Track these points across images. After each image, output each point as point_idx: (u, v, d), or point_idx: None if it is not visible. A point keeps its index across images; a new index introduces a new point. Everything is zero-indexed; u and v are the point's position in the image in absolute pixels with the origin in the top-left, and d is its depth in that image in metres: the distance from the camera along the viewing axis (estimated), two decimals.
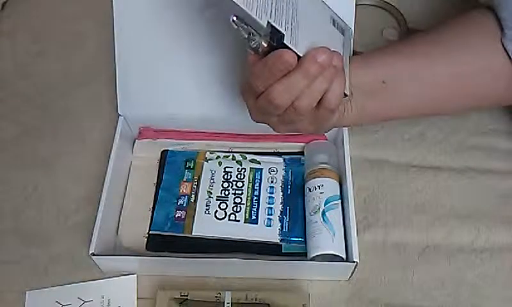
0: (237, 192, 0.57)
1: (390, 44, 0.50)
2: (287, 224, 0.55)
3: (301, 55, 0.40)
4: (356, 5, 0.53)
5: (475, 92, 0.52)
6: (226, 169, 0.59)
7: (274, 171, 0.59)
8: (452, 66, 0.51)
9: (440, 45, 0.52)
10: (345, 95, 0.45)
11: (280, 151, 0.62)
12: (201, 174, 0.59)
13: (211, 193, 0.57)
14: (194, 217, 0.55)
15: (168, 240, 0.55)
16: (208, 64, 0.55)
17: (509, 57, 0.49)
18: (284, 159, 0.60)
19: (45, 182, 0.60)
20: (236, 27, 0.40)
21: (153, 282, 0.53)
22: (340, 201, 0.54)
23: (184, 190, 0.57)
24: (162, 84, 0.57)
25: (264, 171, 0.59)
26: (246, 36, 0.40)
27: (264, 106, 0.43)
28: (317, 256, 0.51)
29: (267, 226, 0.55)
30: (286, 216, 0.56)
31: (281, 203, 0.57)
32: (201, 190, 0.57)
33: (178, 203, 0.56)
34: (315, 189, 0.55)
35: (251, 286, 0.52)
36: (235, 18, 0.40)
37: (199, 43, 0.54)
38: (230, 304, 0.50)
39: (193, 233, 0.54)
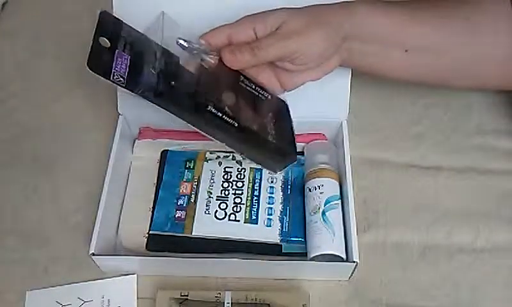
0: (237, 192, 0.57)
1: (412, 7, 0.52)
2: (287, 224, 0.55)
3: None
4: None
5: (483, 73, 0.54)
6: (226, 169, 0.59)
7: None
8: (471, 45, 0.52)
9: (463, 21, 0.52)
10: None
11: None
12: (201, 174, 0.58)
13: (211, 193, 0.57)
14: (194, 217, 0.55)
15: (168, 240, 0.54)
16: None
17: None
18: None
19: (45, 182, 0.60)
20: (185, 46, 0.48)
21: (153, 282, 0.53)
22: (340, 201, 0.54)
23: (184, 190, 0.57)
24: None
25: (264, 171, 0.59)
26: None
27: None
28: (317, 256, 0.51)
29: (267, 226, 0.55)
30: (286, 216, 0.56)
31: (281, 203, 0.57)
32: (201, 190, 0.57)
33: (178, 203, 0.56)
34: (315, 189, 0.55)
35: (251, 286, 0.52)
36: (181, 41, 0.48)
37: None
38: (230, 304, 0.50)
39: (193, 233, 0.54)
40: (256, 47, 0.48)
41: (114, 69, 0.46)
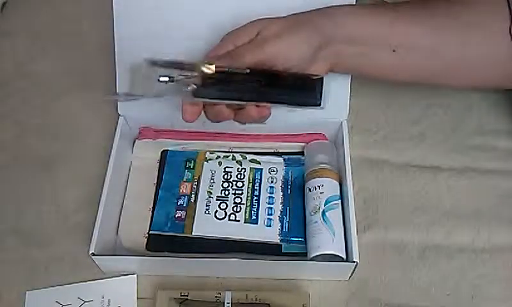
0: (237, 192, 0.57)
1: (401, 7, 0.52)
2: (287, 224, 0.55)
3: None
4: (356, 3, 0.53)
5: (475, 72, 0.53)
6: (226, 169, 0.59)
7: (274, 171, 0.59)
8: (461, 45, 0.51)
9: (452, 20, 0.52)
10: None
11: (280, 151, 0.62)
12: (201, 174, 0.59)
13: (211, 193, 0.57)
14: (194, 217, 0.55)
15: (168, 240, 0.55)
16: None
17: None
18: (284, 159, 0.60)
19: (45, 182, 0.60)
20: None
21: (153, 282, 0.53)
22: (340, 201, 0.54)
23: (184, 190, 0.57)
24: None
25: (263, 171, 0.59)
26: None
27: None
28: (317, 256, 0.51)
29: (267, 226, 0.55)
30: (286, 216, 0.56)
31: (281, 203, 0.57)
32: (201, 190, 0.57)
33: (178, 203, 0.56)
34: (315, 189, 0.55)
35: (251, 286, 0.52)
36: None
37: (199, 42, 0.54)
38: (230, 304, 0.50)
39: (193, 233, 0.54)
40: (234, 54, 0.47)
41: None
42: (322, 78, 0.49)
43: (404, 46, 0.51)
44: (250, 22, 0.49)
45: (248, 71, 0.47)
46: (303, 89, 0.50)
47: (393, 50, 0.51)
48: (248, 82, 0.48)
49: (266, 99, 0.49)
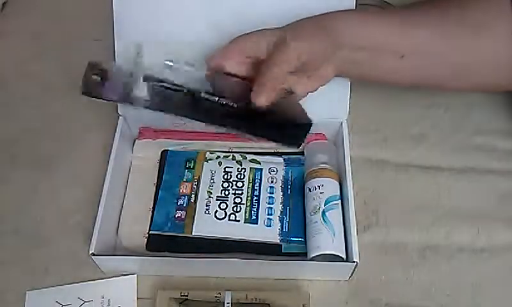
0: (237, 192, 0.57)
1: (407, 13, 0.52)
2: (287, 224, 0.55)
3: None
4: (356, 5, 0.53)
5: (483, 75, 0.53)
6: (226, 169, 0.59)
7: (274, 171, 0.59)
8: (469, 49, 0.51)
9: (460, 25, 0.51)
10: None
11: (280, 151, 0.62)
12: (201, 174, 0.59)
13: (211, 193, 0.57)
14: (194, 217, 0.55)
15: (168, 240, 0.55)
16: None
17: None
18: (284, 159, 0.60)
19: (45, 182, 0.60)
20: None
21: (153, 282, 0.53)
22: (340, 201, 0.54)
23: (184, 190, 0.57)
24: None
25: (264, 171, 0.59)
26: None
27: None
28: (317, 256, 0.51)
29: (267, 226, 0.55)
30: (286, 216, 0.56)
31: (281, 203, 0.57)
32: (201, 190, 0.57)
33: (178, 203, 0.56)
34: (315, 189, 0.55)
35: (251, 286, 0.52)
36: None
37: (200, 42, 0.54)
38: (230, 304, 0.50)
39: (193, 233, 0.54)
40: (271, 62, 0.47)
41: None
42: (310, 124, 0.50)
43: (412, 53, 0.51)
44: (260, 31, 0.49)
45: (236, 105, 0.48)
46: (289, 131, 0.50)
47: (401, 57, 0.50)
48: (230, 112, 0.49)
49: (247, 130, 0.50)
